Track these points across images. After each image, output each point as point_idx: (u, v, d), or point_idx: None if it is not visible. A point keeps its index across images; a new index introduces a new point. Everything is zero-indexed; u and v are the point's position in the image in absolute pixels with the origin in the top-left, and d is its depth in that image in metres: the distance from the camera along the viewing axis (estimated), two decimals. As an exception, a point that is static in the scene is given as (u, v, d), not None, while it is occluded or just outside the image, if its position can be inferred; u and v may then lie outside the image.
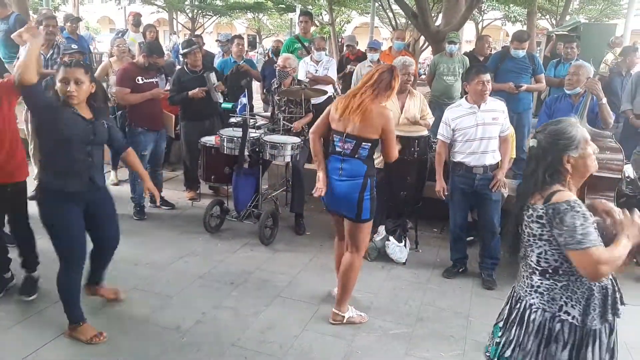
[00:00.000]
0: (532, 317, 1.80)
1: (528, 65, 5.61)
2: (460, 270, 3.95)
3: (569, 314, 1.75)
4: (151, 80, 4.71)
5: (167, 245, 4.26)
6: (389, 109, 3.15)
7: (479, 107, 3.61)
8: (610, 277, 1.79)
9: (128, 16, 7.93)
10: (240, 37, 6.32)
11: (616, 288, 1.80)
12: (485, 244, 3.84)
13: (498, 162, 3.69)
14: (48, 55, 4.93)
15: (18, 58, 4.93)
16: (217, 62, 6.77)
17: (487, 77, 3.57)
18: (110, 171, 5.61)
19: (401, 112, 4.14)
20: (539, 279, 1.81)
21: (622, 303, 1.80)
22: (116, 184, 5.59)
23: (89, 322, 2.96)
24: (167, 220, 4.84)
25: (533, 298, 1.81)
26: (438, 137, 3.82)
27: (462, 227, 3.91)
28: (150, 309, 3.27)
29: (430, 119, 4.31)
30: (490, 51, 6.57)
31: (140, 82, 4.62)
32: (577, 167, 1.78)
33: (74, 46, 4.53)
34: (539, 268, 1.80)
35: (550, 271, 1.78)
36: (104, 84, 5.07)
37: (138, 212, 4.79)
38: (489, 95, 3.64)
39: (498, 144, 3.69)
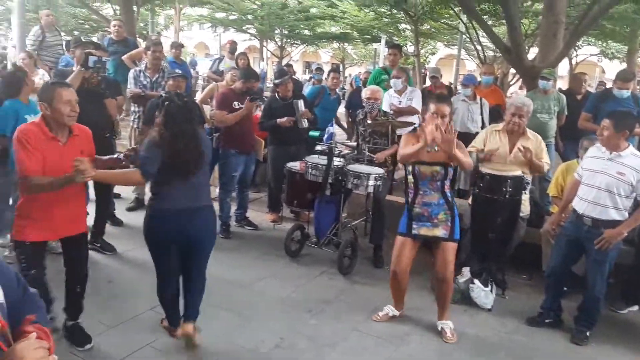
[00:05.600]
0: None
1: (632, 107, 5.22)
2: (547, 321, 3.68)
3: None
4: (245, 105, 4.93)
5: (249, 265, 4.37)
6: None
7: (610, 154, 3.34)
8: None
9: (225, 44, 8.43)
10: (336, 70, 6.58)
11: None
12: (584, 300, 3.58)
13: (618, 222, 3.31)
14: (154, 79, 5.32)
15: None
16: (307, 89, 6.98)
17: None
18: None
19: (510, 153, 3.91)
20: None
21: None
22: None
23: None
24: (250, 240, 4.97)
25: None
26: (575, 174, 3.65)
27: (556, 274, 3.64)
28: (231, 327, 3.35)
29: (547, 163, 3.97)
30: (585, 89, 6.23)
31: (237, 106, 4.85)
32: None
33: (178, 70, 4.86)
34: None
35: None
36: (208, 107, 5.37)
37: (224, 231, 4.97)
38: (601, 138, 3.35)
39: (629, 204, 3.35)
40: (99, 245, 4.33)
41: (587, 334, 3.53)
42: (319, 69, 7.72)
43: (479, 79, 6.81)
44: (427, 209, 3.33)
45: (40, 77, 6.00)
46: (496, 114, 5.84)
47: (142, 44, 7.84)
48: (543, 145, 4.00)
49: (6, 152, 3.90)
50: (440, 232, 3.33)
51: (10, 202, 4.17)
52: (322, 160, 4.47)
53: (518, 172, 3.91)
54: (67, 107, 2.75)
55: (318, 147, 4.94)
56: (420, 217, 3.35)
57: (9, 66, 7.08)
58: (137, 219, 5.12)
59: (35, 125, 2.77)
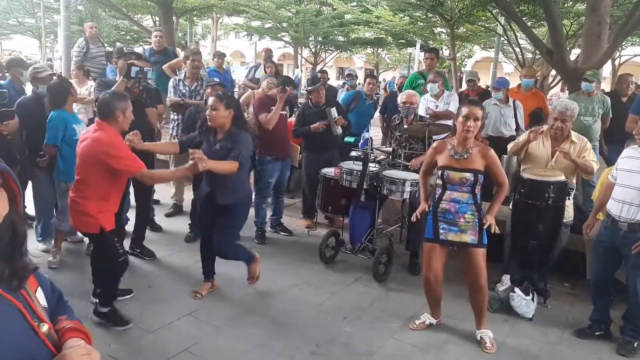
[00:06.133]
0: None
1: (682, 109, 4.99)
2: (598, 334, 3.52)
3: None
4: (281, 112, 4.96)
5: (284, 271, 4.39)
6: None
7: None
8: None
9: (260, 52, 8.55)
10: (373, 76, 6.60)
11: None
12: (628, 308, 3.42)
13: None
14: (193, 87, 5.43)
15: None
16: (342, 95, 6.98)
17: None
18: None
19: (551, 158, 3.76)
20: None
21: None
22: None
23: (207, 340, 3.17)
24: (285, 246, 5.00)
25: None
26: (609, 177, 3.55)
27: (600, 284, 3.51)
28: (266, 334, 3.36)
29: (595, 163, 3.75)
30: (631, 91, 5.98)
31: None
32: None
33: (216, 79, 4.95)
34: None
35: None
36: (244, 114, 5.43)
37: (259, 236, 5.01)
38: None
39: None
40: (138, 250, 4.44)
41: (635, 344, 3.36)
42: (351, 75, 7.69)
43: (519, 81, 6.65)
44: (455, 205, 3.25)
45: (87, 87, 6.24)
46: (537, 117, 5.70)
47: (181, 53, 8.02)
48: (589, 145, 3.82)
49: (54, 161, 4.07)
50: (468, 238, 3.23)
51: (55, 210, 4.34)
52: (357, 166, 4.45)
53: (561, 177, 3.78)
54: (131, 115, 3.30)
55: (353, 153, 4.93)
56: (446, 215, 3.27)
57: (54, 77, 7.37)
58: (176, 224, 5.26)
59: (113, 133, 3.16)
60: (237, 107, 3.61)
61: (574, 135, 3.83)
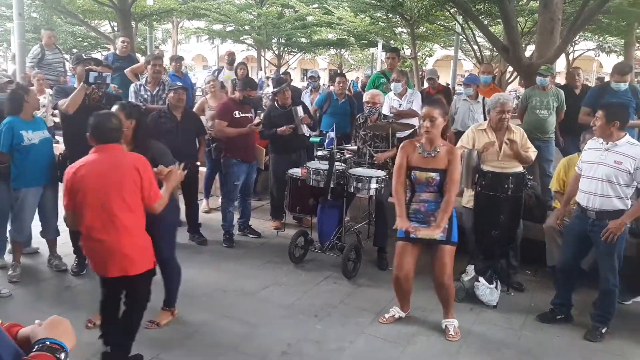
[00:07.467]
0: None
1: (631, 99, 5.23)
2: (559, 318, 3.67)
3: None
4: (246, 115, 4.96)
5: (254, 273, 4.38)
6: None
7: (607, 144, 3.38)
8: None
9: (223, 55, 8.47)
10: (341, 74, 6.62)
11: None
12: (599, 295, 3.55)
13: (623, 211, 3.33)
14: (154, 92, 5.36)
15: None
16: (306, 97, 6.98)
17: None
18: (202, 199, 5.91)
19: (500, 150, 3.99)
20: None
21: None
22: (207, 212, 5.87)
23: (179, 346, 3.15)
24: (253, 248, 4.99)
25: None
26: (575, 168, 3.71)
27: (567, 271, 3.65)
28: (237, 337, 3.35)
29: (533, 152, 4.10)
30: (581, 82, 6.25)
31: (237, 116, 4.89)
32: None
33: (179, 83, 4.91)
34: None
35: None
36: (203, 118, 5.39)
37: (227, 240, 4.99)
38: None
39: (631, 192, 3.36)
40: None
41: (602, 330, 3.48)
42: (313, 77, 7.67)
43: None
44: (424, 204, 3.36)
45: (45, 95, 6.09)
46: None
47: (141, 59, 7.88)
48: (526, 136, 4.13)
49: (8, 168, 3.94)
50: (437, 235, 3.32)
51: (9, 225, 4.19)
52: (324, 165, 4.49)
53: (519, 169, 3.93)
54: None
55: (319, 153, 4.96)
56: (417, 214, 3.37)
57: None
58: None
59: None
60: (141, 117, 3.40)
61: (512, 125, 4.10)
